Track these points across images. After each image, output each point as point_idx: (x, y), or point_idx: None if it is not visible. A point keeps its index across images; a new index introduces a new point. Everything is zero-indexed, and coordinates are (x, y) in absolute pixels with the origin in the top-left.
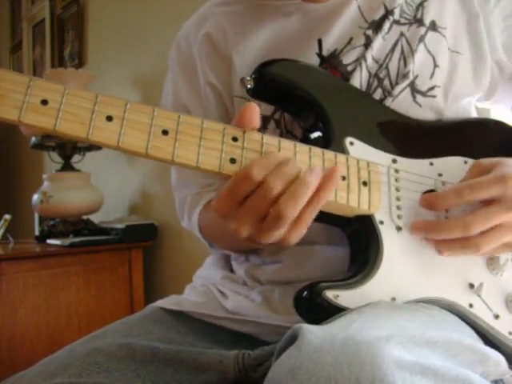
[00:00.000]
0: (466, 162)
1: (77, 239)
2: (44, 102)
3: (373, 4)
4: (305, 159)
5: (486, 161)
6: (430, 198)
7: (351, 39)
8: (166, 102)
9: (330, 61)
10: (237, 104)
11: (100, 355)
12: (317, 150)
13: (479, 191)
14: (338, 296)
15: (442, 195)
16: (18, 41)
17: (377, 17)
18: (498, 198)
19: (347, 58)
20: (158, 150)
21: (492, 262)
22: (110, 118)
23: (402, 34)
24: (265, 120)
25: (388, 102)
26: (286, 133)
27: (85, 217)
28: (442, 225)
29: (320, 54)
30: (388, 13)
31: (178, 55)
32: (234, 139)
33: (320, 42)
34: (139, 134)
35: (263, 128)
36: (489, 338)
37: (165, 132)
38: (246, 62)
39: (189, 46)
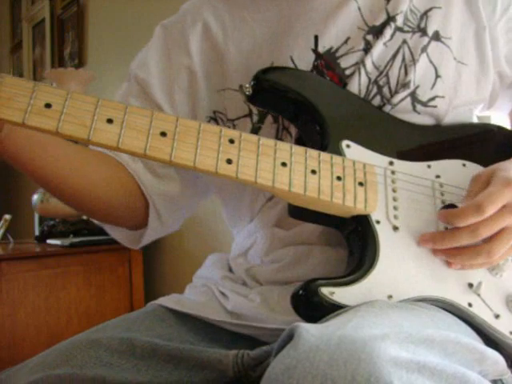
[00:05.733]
0: (464, 165)
1: (77, 239)
2: (48, 106)
3: (374, 8)
4: (301, 160)
5: (484, 171)
6: (447, 216)
7: (348, 39)
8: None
9: (325, 58)
10: (230, 96)
11: (101, 349)
12: (313, 152)
13: (496, 201)
14: (333, 293)
15: (461, 211)
16: (18, 41)
17: (378, 22)
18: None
19: (345, 62)
20: (156, 151)
21: None
22: (110, 121)
23: (404, 42)
24: (262, 115)
25: (387, 110)
26: (282, 129)
27: (85, 217)
28: (449, 234)
29: (315, 51)
30: (390, 19)
31: (166, 29)
32: (231, 141)
33: (316, 38)
34: (138, 136)
35: (260, 122)
36: (489, 338)
37: (163, 134)
38: (242, 54)
39: (183, 24)
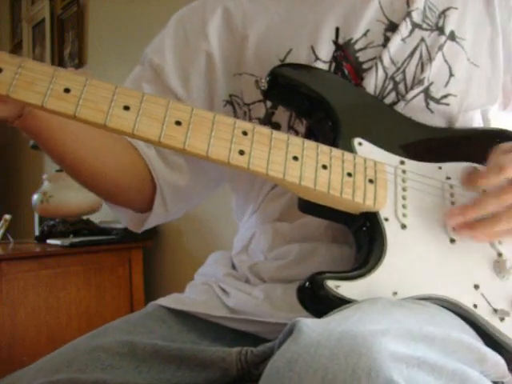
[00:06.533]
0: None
1: (77, 239)
2: (67, 91)
3: (394, 1)
4: (312, 155)
5: (505, 143)
6: (471, 175)
7: (367, 31)
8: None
9: (345, 50)
10: (246, 80)
11: (102, 352)
12: (324, 148)
13: None
14: (338, 286)
15: (483, 172)
16: (18, 41)
17: (397, 16)
18: None
19: (364, 55)
20: (170, 139)
21: (498, 265)
22: (127, 108)
23: (422, 40)
24: None
25: (400, 106)
26: (295, 116)
27: (85, 217)
28: (476, 202)
29: (336, 42)
30: (407, 14)
31: (185, 15)
32: (244, 133)
33: (337, 30)
34: (154, 123)
35: (273, 108)
36: (492, 340)
37: (178, 123)
38: (260, 39)
39: (203, 10)
